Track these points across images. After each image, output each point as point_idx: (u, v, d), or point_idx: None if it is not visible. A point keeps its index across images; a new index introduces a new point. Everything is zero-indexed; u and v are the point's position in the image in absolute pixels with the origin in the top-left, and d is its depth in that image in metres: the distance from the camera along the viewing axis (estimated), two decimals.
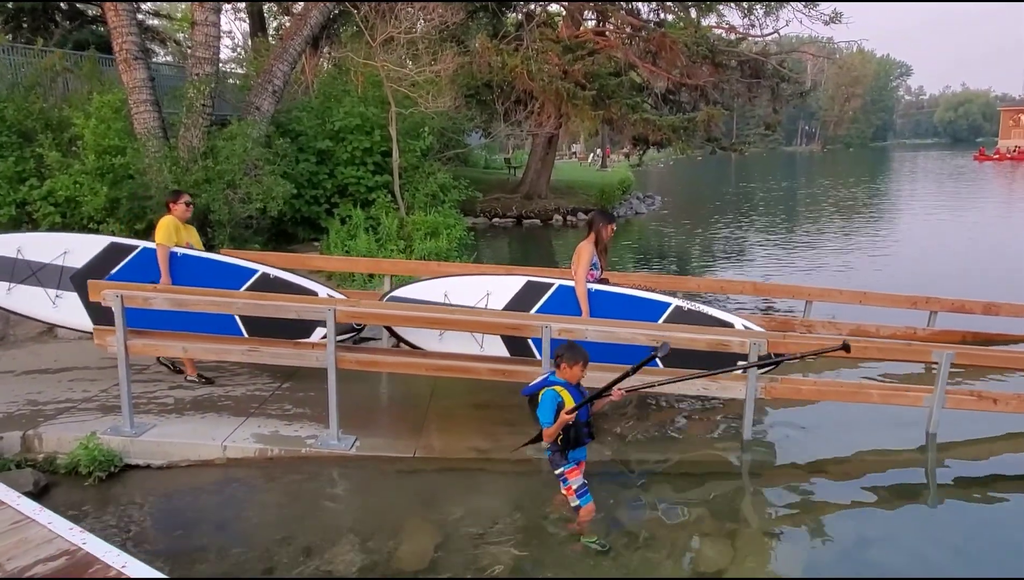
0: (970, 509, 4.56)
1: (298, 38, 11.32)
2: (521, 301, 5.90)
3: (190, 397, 5.79)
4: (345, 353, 5.19)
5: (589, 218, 6.08)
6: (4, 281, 5.82)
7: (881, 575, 3.81)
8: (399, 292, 6.12)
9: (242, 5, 23.05)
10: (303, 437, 5.11)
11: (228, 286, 5.92)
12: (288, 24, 17.16)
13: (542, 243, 17.50)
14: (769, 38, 20.16)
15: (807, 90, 25.29)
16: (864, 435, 5.47)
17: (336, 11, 13.84)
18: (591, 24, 20.11)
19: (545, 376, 4.02)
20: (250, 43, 20.00)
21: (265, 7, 21.62)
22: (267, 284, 6.05)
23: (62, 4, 18.79)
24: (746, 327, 5.69)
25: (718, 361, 5.28)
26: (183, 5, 25.41)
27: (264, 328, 5.61)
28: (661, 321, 5.67)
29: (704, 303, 6.26)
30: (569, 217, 20.42)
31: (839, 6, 18.73)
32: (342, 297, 6.23)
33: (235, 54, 26.61)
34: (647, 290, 5.93)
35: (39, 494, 4.36)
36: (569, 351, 3.92)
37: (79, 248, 5.94)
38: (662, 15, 20.32)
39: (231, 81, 14.93)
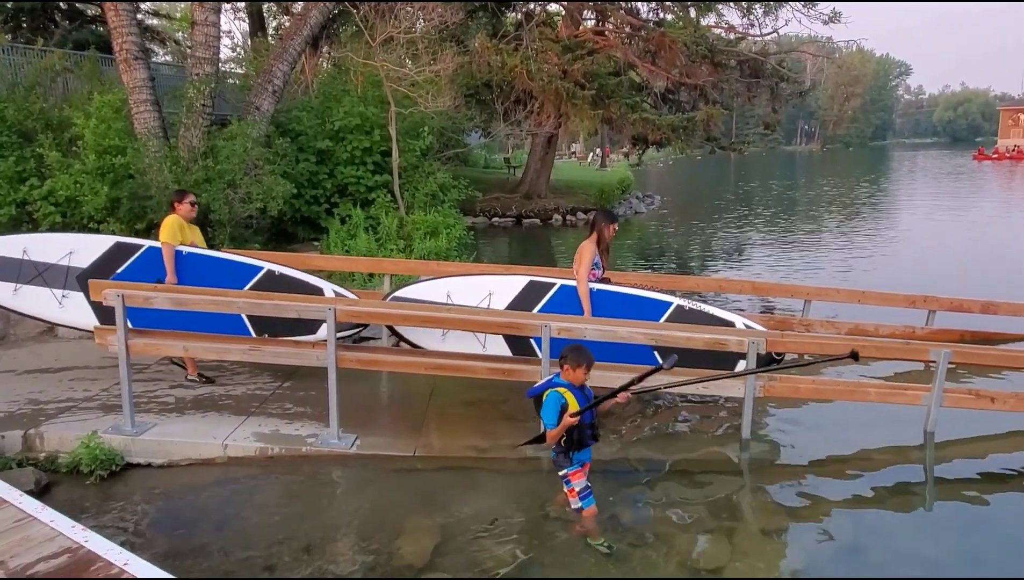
0: (968, 507, 4.58)
1: (298, 38, 11.33)
2: (523, 301, 5.92)
3: (191, 396, 5.81)
4: (345, 352, 5.21)
5: (591, 218, 6.09)
6: (10, 282, 5.85)
7: (880, 575, 3.82)
8: (402, 292, 6.14)
9: (241, 5, 23.06)
10: (303, 436, 5.13)
11: (234, 283, 5.96)
12: (288, 24, 17.18)
13: (542, 243, 17.51)
14: (768, 38, 20.18)
15: (806, 89, 25.28)
16: (862, 433, 5.49)
17: (336, 11, 13.85)
18: (590, 24, 20.12)
19: (550, 378, 4.02)
20: (250, 43, 20.00)
21: (264, 7, 21.62)
22: (272, 281, 6.09)
23: (61, 4, 18.79)
24: (747, 326, 5.71)
25: (720, 360, 5.31)
26: (182, 5, 25.42)
27: (270, 325, 5.64)
28: (662, 320, 5.69)
29: (704, 302, 6.28)
30: (568, 217, 20.43)
31: (838, 6, 18.71)
32: (348, 294, 6.26)
33: (235, 54, 26.61)
34: (648, 289, 5.95)
35: (40, 493, 4.38)
36: (573, 353, 3.92)
37: (85, 248, 5.97)
38: (661, 15, 20.33)
39: (231, 81, 14.94)
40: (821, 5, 18.67)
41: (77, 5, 19.16)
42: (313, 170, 11.16)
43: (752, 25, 19.50)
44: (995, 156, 56.21)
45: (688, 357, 5.26)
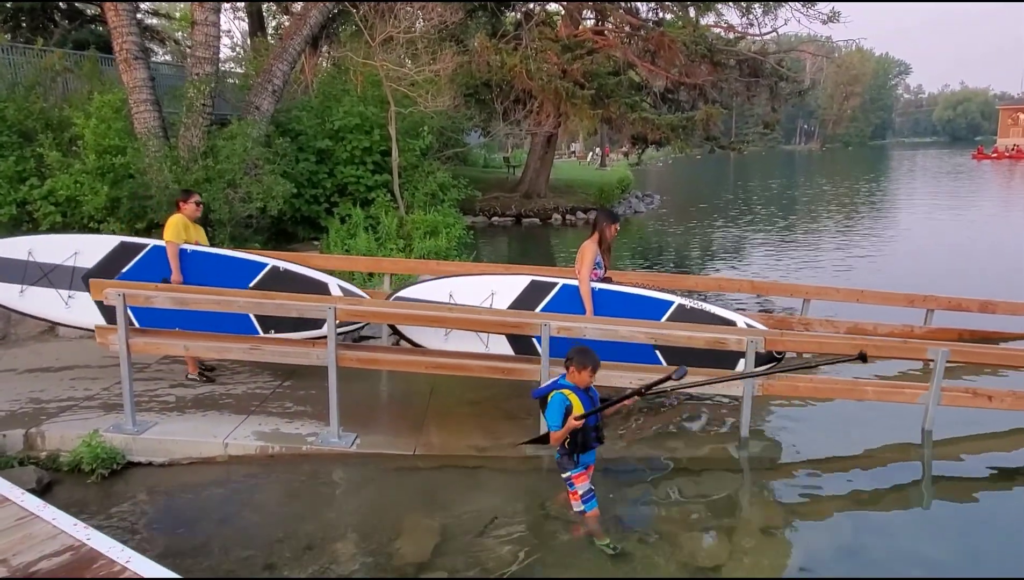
0: (966, 505, 4.60)
1: (297, 38, 11.34)
2: (525, 300, 5.94)
3: (191, 395, 5.83)
4: (345, 351, 5.23)
5: (593, 217, 6.12)
6: (16, 283, 5.89)
7: (879, 574, 3.83)
8: (404, 292, 6.17)
9: (241, 5, 23.05)
10: (304, 435, 5.15)
11: (239, 280, 6.02)
12: (287, 23, 17.17)
13: (541, 242, 17.53)
14: (767, 37, 20.20)
15: (806, 89, 25.30)
16: (861, 432, 5.52)
17: (335, 11, 13.85)
18: (590, 23, 20.12)
19: (555, 379, 4.02)
20: (249, 42, 20.00)
21: (264, 7, 21.62)
22: (278, 277, 6.13)
23: (61, 4, 18.79)
24: (749, 325, 5.73)
25: (721, 359, 5.33)
26: (182, 4, 25.43)
27: (276, 321, 5.68)
28: (664, 319, 5.71)
29: (704, 301, 6.30)
30: (568, 216, 20.45)
31: (837, 5, 18.74)
32: (355, 290, 6.29)
33: (234, 53, 26.59)
34: (650, 289, 5.98)
35: (42, 491, 4.39)
36: (579, 356, 3.90)
37: (90, 248, 6.01)
38: (661, 14, 20.34)
39: (231, 81, 14.94)
40: (820, 5, 18.69)
41: (76, 5, 19.16)
42: (313, 170, 11.17)
43: (751, 24, 19.53)
44: (994, 155, 56.24)
45: (689, 356, 5.29)
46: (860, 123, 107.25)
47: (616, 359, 5.09)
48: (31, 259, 5.89)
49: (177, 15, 27.08)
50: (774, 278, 11.35)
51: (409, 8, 13.31)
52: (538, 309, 5.87)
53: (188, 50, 11.95)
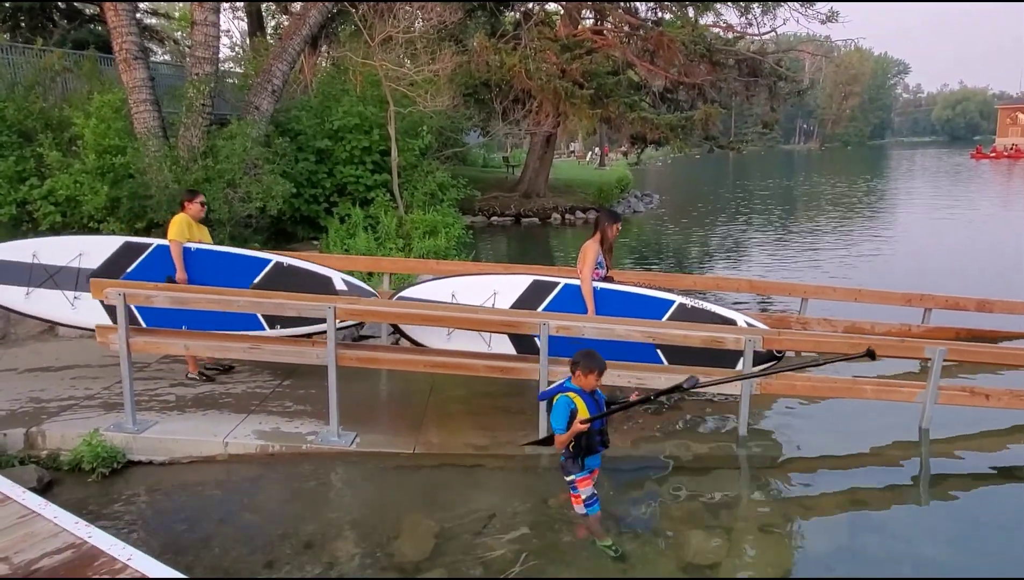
0: (963, 503, 4.62)
1: (297, 38, 11.35)
2: (528, 300, 5.96)
3: (191, 394, 5.85)
4: (345, 350, 5.25)
5: (595, 217, 6.15)
6: (22, 286, 5.92)
7: (877, 573, 3.84)
8: (407, 292, 6.20)
9: (240, 4, 23.05)
10: (304, 433, 5.17)
11: (244, 276, 6.07)
12: (287, 23, 17.18)
13: (540, 241, 17.55)
14: (766, 37, 20.23)
15: (804, 88, 25.31)
16: (859, 430, 5.55)
17: (334, 10, 13.86)
18: (589, 23, 20.14)
19: (561, 382, 4.01)
20: (248, 42, 20.00)
21: (263, 6, 21.62)
22: (281, 273, 6.18)
23: (60, 3, 18.78)
24: (749, 324, 5.75)
25: (721, 357, 5.35)
26: (181, 4, 25.43)
27: (282, 317, 5.71)
28: (665, 318, 5.73)
29: (705, 300, 6.32)
30: (567, 215, 20.47)
31: (835, 5, 18.76)
32: (361, 284, 6.35)
33: (234, 53, 26.60)
34: (651, 288, 6.01)
35: (42, 490, 4.41)
36: (585, 359, 3.89)
37: (94, 249, 6.04)
38: (660, 14, 20.36)
39: (230, 81, 14.95)
40: (818, 5, 18.74)
41: (75, 4, 19.15)
42: (312, 169, 11.19)
43: (750, 24, 19.56)
44: (993, 155, 56.30)
45: (690, 355, 5.32)
46: (859, 123, 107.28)
47: (618, 358, 5.10)
48: (36, 261, 5.93)
49: (176, 15, 27.09)
50: (772, 277, 11.38)
51: (408, 8, 13.33)
52: (540, 308, 5.89)
53: (187, 50, 11.97)
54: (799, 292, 8.11)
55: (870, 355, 4.20)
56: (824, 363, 5.12)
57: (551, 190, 21.92)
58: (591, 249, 5.73)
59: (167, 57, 24.73)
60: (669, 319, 5.73)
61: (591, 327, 5.15)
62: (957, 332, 7.63)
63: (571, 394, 3.88)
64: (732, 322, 5.75)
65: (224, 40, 23.38)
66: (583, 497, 4.01)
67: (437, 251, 10.43)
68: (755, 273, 12.27)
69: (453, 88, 14.24)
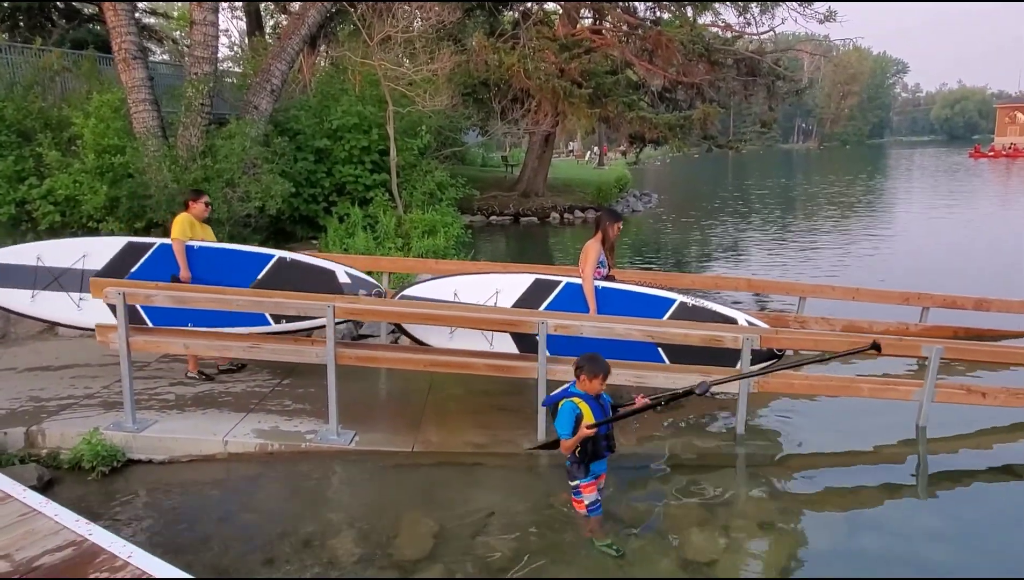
0: (960, 501, 4.65)
1: (296, 37, 11.36)
2: (529, 299, 5.98)
3: (191, 393, 5.86)
4: (344, 349, 5.27)
5: (596, 217, 6.19)
6: (27, 289, 5.95)
7: (874, 570, 3.84)
8: (410, 290, 6.22)
9: (239, 4, 23.05)
10: (303, 432, 5.18)
11: (247, 273, 6.12)
12: (285, 23, 17.19)
13: (539, 241, 17.56)
14: (765, 36, 20.27)
15: (803, 88, 25.39)
16: (856, 428, 5.57)
17: (333, 10, 13.87)
18: (587, 22, 20.17)
19: (566, 386, 3.99)
20: (247, 42, 20.01)
21: (262, 6, 21.63)
22: (285, 267, 6.23)
23: (59, 3, 18.78)
24: (750, 323, 5.77)
25: (721, 355, 5.36)
26: (180, 4, 25.43)
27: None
28: (666, 317, 5.75)
29: (706, 299, 6.34)
30: (566, 215, 20.49)
31: (834, 5, 18.79)
32: (362, 275, 6.38)
33: (232, 53, 26.61)
34: (653, 287, 6.03)
35: (43, 489, 4.41)
36: (590, 363, 3.88)
37: (97, 250, 6.08)
38: (658, 13, 20.39)
39: (229, 80, 14.96)
40: (817, 4, 18.75)
41: (74, 4, 19.15)
42: (311, 169, 11.20)
43: (748, 24, 19.60)
44: (991, 154, 56.36)
45: (691, 354, 5.34)
46: (858, 122, 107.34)
47: (620, 357, 5.10)
48: (40, 264, 5.96)
49: (175, 14, 27.08)
50: (771, 276, 11.40)
51: (407, 8, 13.34)
52: (542, 307, 5.91)
53: (186, 49, 11.97)
54: (797, 291, 8.13)
55: (875, 348, 4.25)
56: (830, 358, 5.16)
57: (550, 189, 21.94)
58: (593, 248, 5.76)
59: (166, 57, 24.75)
60: (670, 318, 5.75)
61: (589, 326, 5.17)
62: (955, 331, 7.65)
63: (576, 399, 3.86)
64: (733, 321, 5.77)
65: (223, 40, 23.40)
66: (586, 503, 4.01)
67: (436, 250, 10.44)
68: (754, 272, 12.29)
69: (452, 87, 14.26)
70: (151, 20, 25.66)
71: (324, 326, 5.02)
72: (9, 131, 8.96)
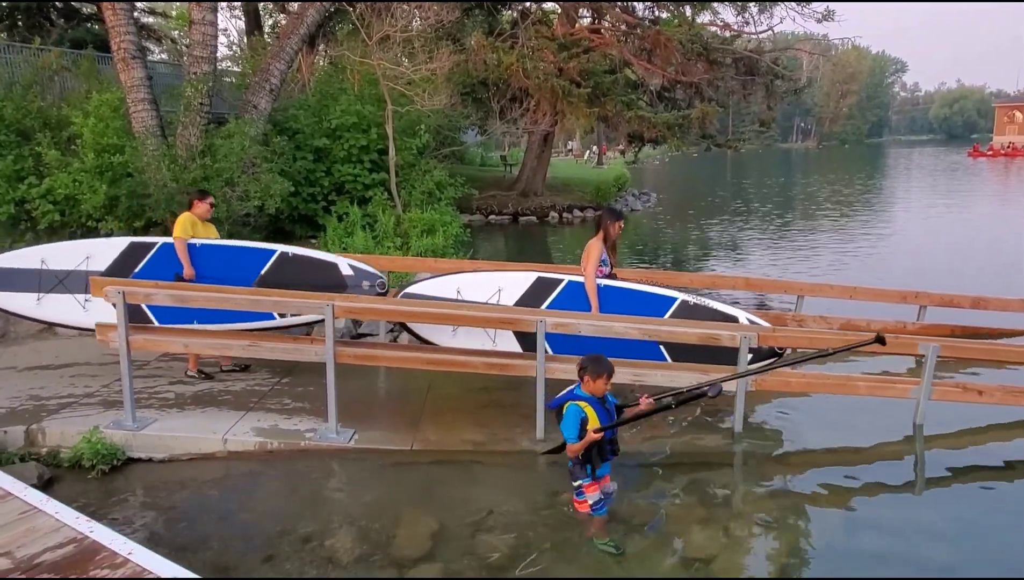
0: (957, 498, 4.68)
1: (295, 37, 11.37)
2: (532, 297, 6.01)
3: (190, 392, 5.87)
4: (343, 347, 5.28)
5: (597, 216, 6.23)
6: (33, 292, 5.98)
7: (871, 567, 3.85)
8: (413, 288, 6.24)
9: (238, 4, 23.04)
10: (302, 430, 5.20)
11: (250, 268, 6.17)
12: (284, 22, 17.19)
13: (538, 240, 17.58)
14: (763, 35, 20.28)
15: (801, 87, 25.40)
16: (853, 426, 5.58)
17: (332, 9, 13.88)
18: (586, 22, 20.18)
19: (570, 389, 3.97)
20: (246, 41, 20.01)
21: (261, 6, 21.62)
22: (287, 262, 6.27)
23: (57, 3, 18.77)
24: (751, 321, 5.80)
25: (720, 353, 5.38)
26: (179, 3, 25.42)
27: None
28: (667, 315, 5.78)
29: (708, 298, 6.36)
30: (565, 214, 20.49)
31: (832, 4, 18.80)
32: (365, 266, 6.40)
33: (231, 52, 26.60)
34: (654, 285, 6.05)
35: (43, 487, 4.42)
36: (593, 364, 3.86)
37: (101, 252, 6.11)
38: (657, 12, 20.39)
39: (228, 80, 14.96)
40: (815, 4, 18.76)
41: (73, 3, 19.14)
42: (310, 168, 11.22)
43: (747, 23, 19.61)
44: (990, 153, 56.41)
45: (694, 352, 5.36)
46: (857, 121, 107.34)
47: (623, 356, 5.11)
48: (45, 267, 5.99)
49: (174, 14, 27.07)
50: (770, 275, 11.42)
51: (406, 7, 13.35)
52: (544, 305, 5.93)
53: (185, 49, 11.98)
54: (795, 290, 8.15)
55: (880, 341, 4.27)
56: (835, 353, 5.19)
57: (549, 189, 21.95)
58: (595, 247, 5.79)
59: (165, 56, 24.75)
60: (672, 316, 5.77)
61: (587, 324, 5.19)
62: (952, 329, 7.67)
63: (581, 403, 3.85)
64: (734, 319, 5.78)
65: (222, 39, 23.40)
66: (590, 502, 4.00)
67: (435, 249, 10.46)
68: (752, 271, 12.32)
69: (450, 87, 14.27)
70: (150, 19, 25.66)
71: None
72: (8, 130, 8.97)
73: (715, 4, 19.26)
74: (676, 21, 18.83)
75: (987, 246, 14.87)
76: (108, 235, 8.32)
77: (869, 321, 7.68)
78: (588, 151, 44.11)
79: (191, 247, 5.99)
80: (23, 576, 2.98)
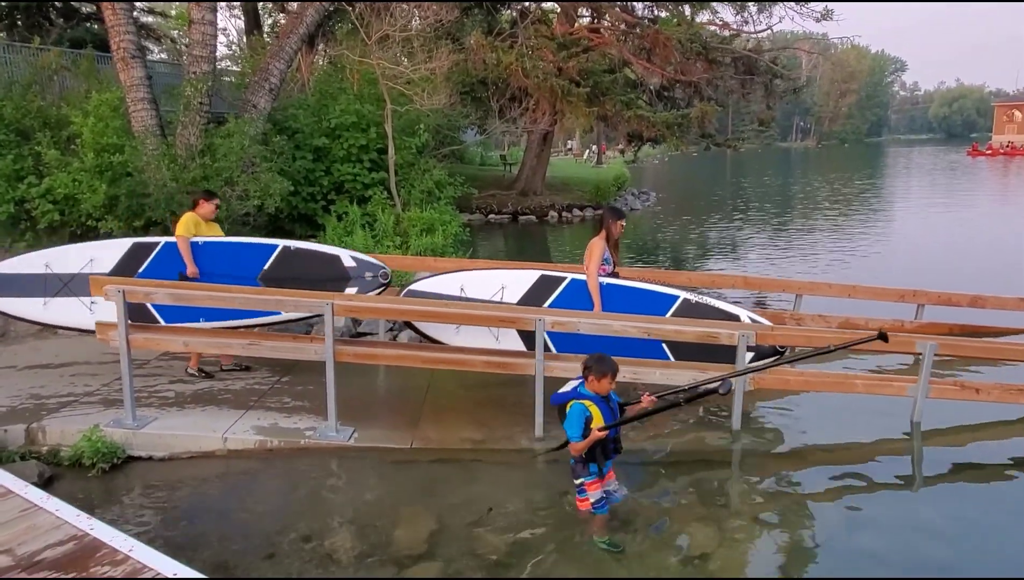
0: (953, 495, 4.70)
1: (294, 36, 11.37)
2: (535, 295, 6.03)
3: (190, 391, 5.89)
4: (343, 346, 5.30)
5: (599, 215, 6.27)
6: (39, 297, 5.99)
7: (869, 564, 3.87)
8: (417, 285, 6.27)
9: (237, 3, 23.03)
10: (302, 429, 5.22)
11: (253, 264, 6.23)
12: (284, 22, 17.20)
13: (537, 239, 17.59)
14: (762, 35, 20.28)
15: (800, 86, 25.43)
16: (851, 424, 5.60)
17: (331, 9, 13.88)
18: (585, 21, 20.19)
19: (574, 386, 3.97)
20: (245, 41, 20.01)
21: (260, 5, 21.61)
22: (290, 256, 6.32)
23: (56, 2, 18.77)
24: (753, 320, 5.81)
25: (719, 352, 5.39)
26: (178, 3, 25.41)
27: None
28: (669, 314, 5.79)
29: (709, 296, 6.37)
30: (564, 213, 20.51)
31: (830, 4, 18.81)
32: (366, 257, 6.44)
33: (231, 52, 26.59)
34: (657, 284, 6.08)
35: (43, 485, 4.43)
36: (598, 364, 3.86)
37: (104, 254, 6.13)
38: (656, 12, 20.40)
39: (227, 79, 14.96)
40: (813, 3, 18.75)
41: (72, 3, 19.14)
42: (310, 167, 11.22)
43: (746, 22, 19.60)
44: (988, 152, 56.42)
45: (695, 351, 5.37)
46: (856, 120, 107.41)
47: (626, 354, 5.10)
48: (49, 271, 6.01)
49: (173, 13, 27.05)
50: (768, 274, 11.44)
51: (405, 6, 13.35)
52: (547, 303, 5.95)
53: (185, 48, 11.97)
54: (794, 288, 8.17)
55: (882, 338, 4.30)
56: (836, 349, 5.21)
57: (548, 188, 21.96)
58: (598, 246, 5.83)
59: (164, 56, 24.75)
60: (674, 314, 5.78)
61: (586, 322, 5.20)
62: (950, 328, 7.69)
63: (586, 402, 3.85)
64: (736, 318, 5.79)
65: (221, 38, 23.39)
66: (591, 501, 4.01)
67: (434, 249, 10.46)
68: (750, 270, 12.33)
69: (450, 86, 14.26)
70: (149, 19, 25.66)
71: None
72: (8, 130, 8.97)
73: (714, 3, 19.26)
74: (675, 20, 18.83)
75: (985, 245, 14.88)
76: (108, 234, 8.33)
77: (867, 319, 7.70)
78: (587, 150, 44.10)
79: (194, 245, 6.03)
80: (24, 573, 2.99)
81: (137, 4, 21.94)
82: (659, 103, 20.38)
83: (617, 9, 19.49)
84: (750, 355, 5.34)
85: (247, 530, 4.10)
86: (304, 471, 4.80)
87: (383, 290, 6.41)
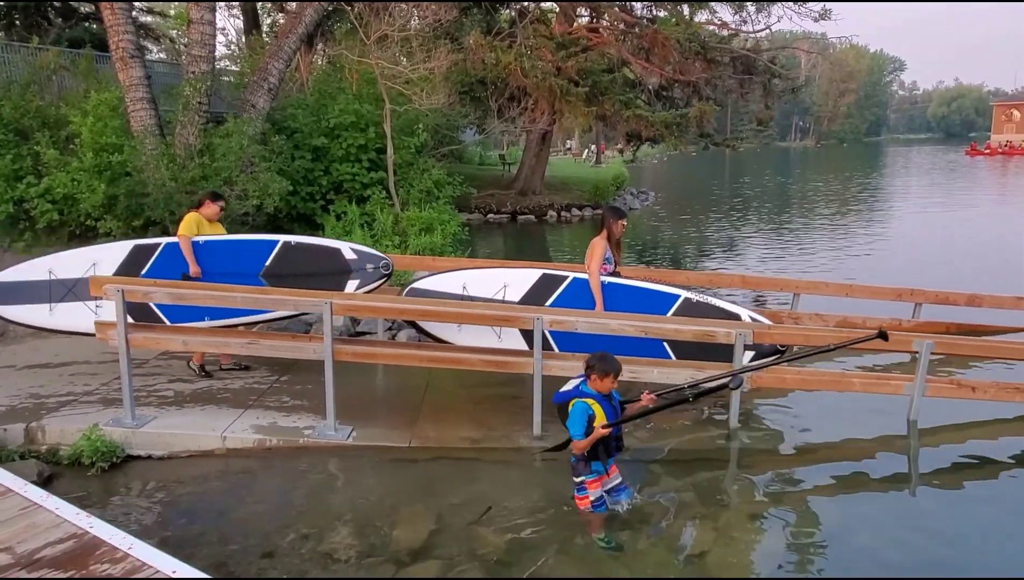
0: (950, 493, 4.70)
1: (293, 36, 11.38)
2: (537, 293, 6.04)
3: (190, 390, 5.90)
4: (342, 345, 5.31)
5: (600, 215, 6.30)
6: (44, 302, 6.00)
7: (867, 562, 3.88)
8: (419, 284, 6.29)
9: (236, 3, 23.01)
10: (301, 428, 5.23)
11: (255, 260, 6.24)
12: (282, 21, 17.20)
13: (537, 239, 17.61)
14: (761, 34, 20.30)
15: (799, 86, 25.45)
16: (848, 422, 5.61)
17: (330, 9, 13.89)
18: (584, 21, 20.21)
19: (576, 385, 3.97)
20: (244, 40, 20.01)
21: (259, 5, 21.60)
22: (291, 250, 6.34)
23: (55, 2, 18.77)
24: (754, 319, 5.83)
25: (718, 351, 5.41)
26: (177, 3, 25.39)
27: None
28: (670, 313, 5.80)
29: (710, 296, 6.38)
30: (563, 213, 20.52)
31: (829, 3, 18.83)
32: (368, 249, 6.46)
33: (229, 51, 26.57)
34: (658, 283, 6.10)
35: (43, 484, 4.44)
36: (601, 362, 3.87)
37: (107, 257, 6.13)
38: (655, 12, 20.41)
39: (226, 79, 14.97)
40: (811, 3, 18.78)
41: (71, 3, 19.14)
42: (309, 167, 11.24)
43: (744, 22, 19.63)
44: (987, 151, 56.48)
45: (696, 350, 5.39)
46: (855, 120, 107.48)
47: (629, 353, 5.11)
48: (53, 277, 6.02)
49: (172, 13, 27.03)
50: (767, 273, 11.46)
51: (404, 6, 13.35)
52: (549, 302, 5.96)
53: (184, 48, 11.98)
54: (791, 287, 8.19)
55: (882, 336, 4.32)
56: (836, 348, 5.23)
57: (547, 188, 21.97)
58: (599, 245, 5.85)
59: (163, 55, 24.74)
60: (675, 313, 5.79)
61: (584, 321, 5.22)
62: (947, 326, 7.71)
63: (588, 400, 3.86)
64: (736, 317, 5.80)
65: (220, 38, 23.36)
66: (591, 499, 4.02)
67: (433, 248, 10.48)
68: (749, 269, 12.35)
69: (449, 86, 14.28)
70: (148, 19, 25.65)
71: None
72: (7, 130, 8.99)
73: (712, 3, 19.28)
74: (674, 20, 18.84)
75: (983, 244, 14.90)
76: (107, 234, 8.35)
77: (865, 318, 7.71)
78: (586, 150, 44.06)
79: (195, 244, 6.04)
80: (24, 571, 3.01)
81: (136, 4, 21.92)
82: (658, 103, 20.40)
83: (616, 9, 19.50)
84: (750, 354, 5.35)
85: (246, 529, 4.11)
86: (303, 470, 4.81)
87: (385, 281, 6.43)
